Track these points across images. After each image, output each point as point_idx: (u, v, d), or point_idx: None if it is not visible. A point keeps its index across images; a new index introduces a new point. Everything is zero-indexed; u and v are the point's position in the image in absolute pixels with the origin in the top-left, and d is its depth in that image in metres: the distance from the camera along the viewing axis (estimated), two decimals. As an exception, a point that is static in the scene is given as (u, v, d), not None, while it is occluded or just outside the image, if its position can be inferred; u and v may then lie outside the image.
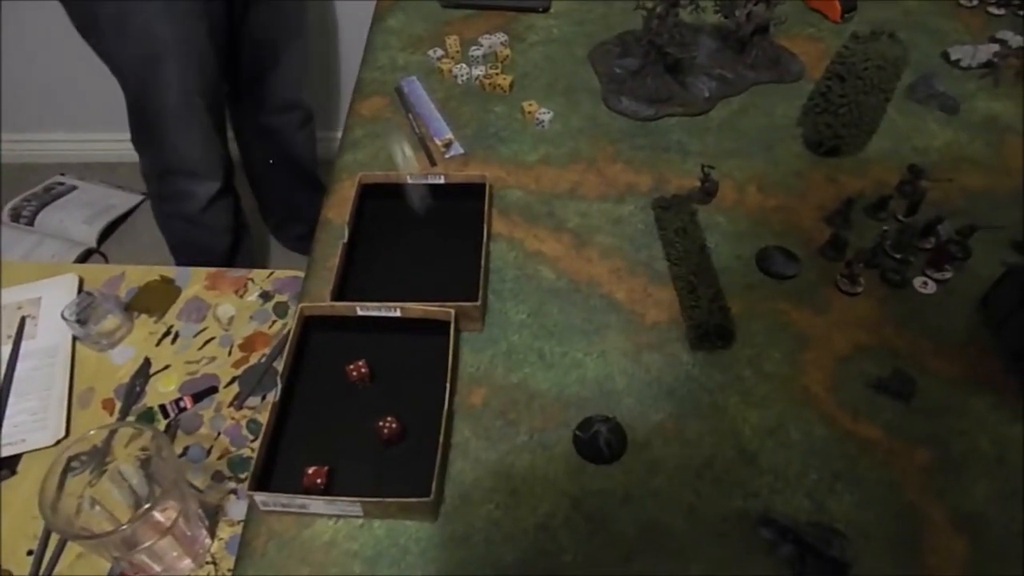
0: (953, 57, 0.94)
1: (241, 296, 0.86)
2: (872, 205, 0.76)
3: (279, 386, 0.59)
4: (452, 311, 0.63)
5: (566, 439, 0.60)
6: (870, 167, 0.82)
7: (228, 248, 1.47)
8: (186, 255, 1.47)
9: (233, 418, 0.76)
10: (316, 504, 0.53)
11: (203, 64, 1.18)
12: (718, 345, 0.65)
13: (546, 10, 1.06)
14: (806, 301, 0.69)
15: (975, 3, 1.05)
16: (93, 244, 1.84)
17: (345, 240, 0.70)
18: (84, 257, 1.82)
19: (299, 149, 1.59)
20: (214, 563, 0.66)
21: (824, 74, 0.79)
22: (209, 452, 0.73)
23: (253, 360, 0.80)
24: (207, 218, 1.38)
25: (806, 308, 0.69)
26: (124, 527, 0.53)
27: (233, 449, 0.74)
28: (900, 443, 0.59)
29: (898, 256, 0.70)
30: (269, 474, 0.56)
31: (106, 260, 1.84)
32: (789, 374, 0.64)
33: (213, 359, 0.81)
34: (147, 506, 0.54)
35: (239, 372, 0.79)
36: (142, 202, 1.94)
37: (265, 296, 0.86)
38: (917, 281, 0.70)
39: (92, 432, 0.59)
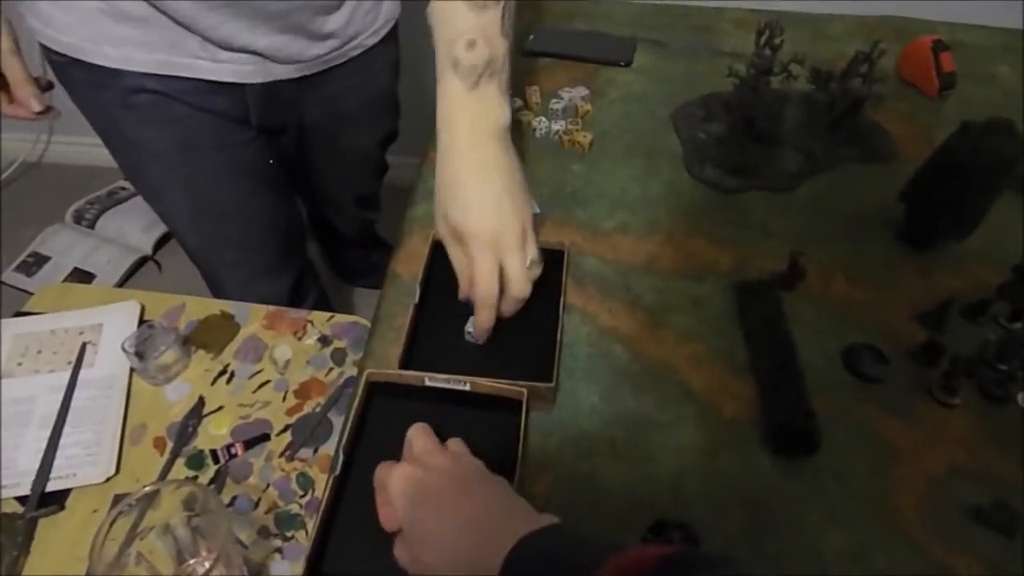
0: (1060, 148, 0.89)
1: (299, 339, 0.85)
2: (971, 307, 0.71)
3: (340, 459, 0.57)
4: (524, 391, 0.60)
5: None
6: (966, 262, 0.77)
7: None
8: None
9: (283, 469, 0.74)
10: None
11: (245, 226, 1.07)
12: (800, 452, 0.61)
13: (628, 64, 1.03)
14: (896, 409, 0.65)
15: (1081, 88, 1.00)
16: (148, 251, 1.86)
17: (416, 302, 0.67)
18: (139, 264, 1.85)
19: (353, 234, 1.59)
20: (254, 627, 0.64)
21: (926, 163, 0.75)
22: (257, 504, 0.71)
23: (307, 409, 0.79)
24: None
25: (896, 417, 0.64)
26: (173, 599, 0.51)
27: (281, 504, 0.72)
28: (999, 582, 0.55)
29: (1003, 367, 0.65)
30: (322, 553, 0.54)
31: (160, 268, 1.86)
32: (876, 492, 0.59)
33: (267, 404, 0.79)
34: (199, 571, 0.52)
35: (292, 420, 0.78)
36: (199, 212, 1.96)
37: (324, 340, 0.85)
38: (1020, 397, 0.65)
39: (146, 487, 0.58)
